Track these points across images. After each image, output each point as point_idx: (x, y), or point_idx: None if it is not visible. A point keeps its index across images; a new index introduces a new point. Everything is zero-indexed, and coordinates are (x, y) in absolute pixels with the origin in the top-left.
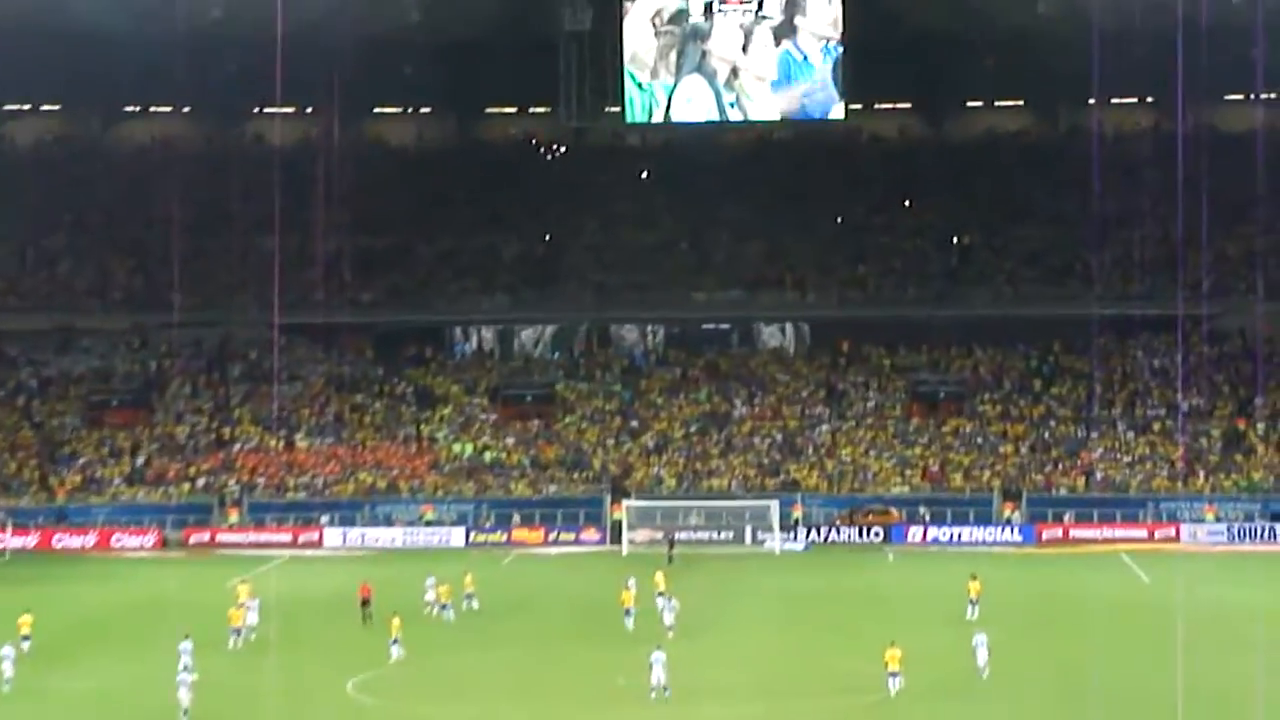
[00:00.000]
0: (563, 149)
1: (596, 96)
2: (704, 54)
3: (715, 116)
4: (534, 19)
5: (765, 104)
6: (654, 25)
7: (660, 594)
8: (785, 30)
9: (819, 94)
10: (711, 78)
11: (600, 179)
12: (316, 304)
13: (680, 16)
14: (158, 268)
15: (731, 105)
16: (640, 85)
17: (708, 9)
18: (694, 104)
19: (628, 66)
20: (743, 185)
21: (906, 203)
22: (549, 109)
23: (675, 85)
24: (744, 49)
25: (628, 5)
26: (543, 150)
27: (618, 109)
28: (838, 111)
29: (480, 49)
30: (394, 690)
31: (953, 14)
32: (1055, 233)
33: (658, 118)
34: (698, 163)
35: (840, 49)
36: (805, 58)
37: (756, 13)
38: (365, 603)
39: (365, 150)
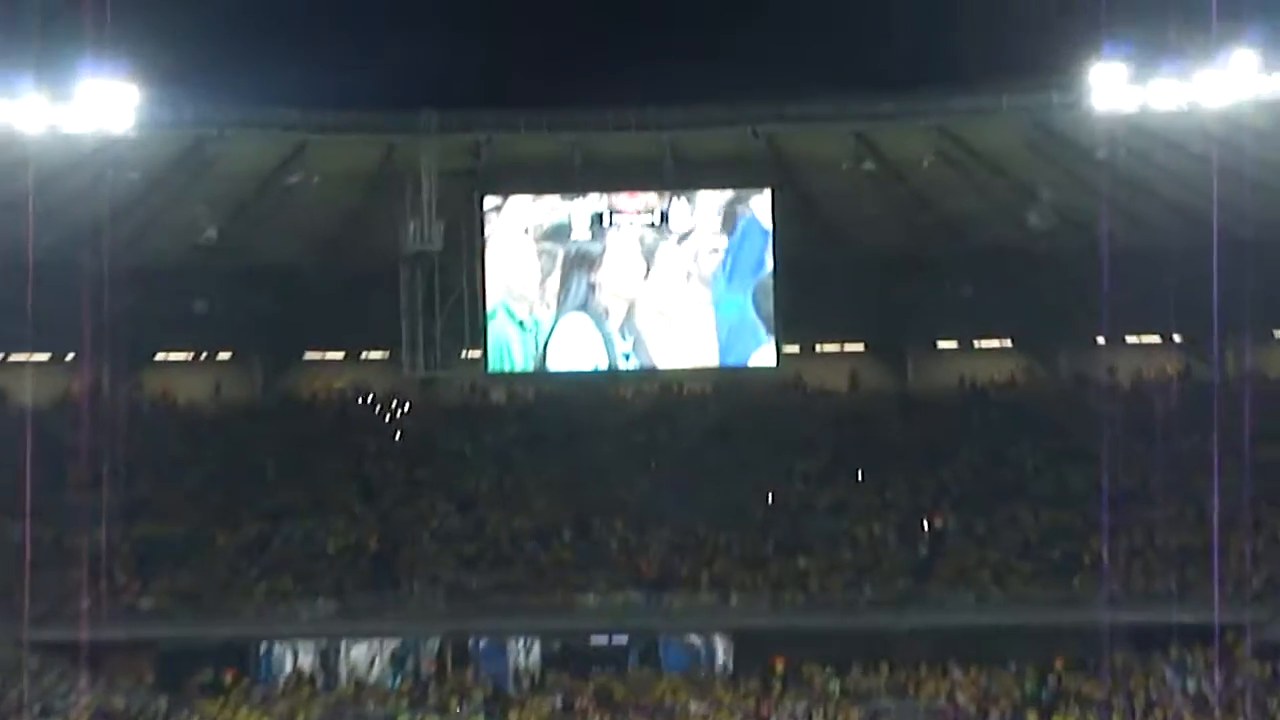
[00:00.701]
0: (405, 406)
1: (450, 339)
2: (591, 286)
3: (605, 365)
4: (367, 238)
5: (671, 348)
6: (525, 245)
7: None
8: (697, 250)
9: (743, 334)
10: (601, 316)
11: (454, 446)
12: (79, 614)
13: (559, 232)
14: None
15: (626, 355)
16: (515, 320)
17: (596, 221)
18: (577, 349)
19: (491, 300)
20: (643, 454)
21: (860, 475)
22: (387, 355)
23: (554, 325)
24: (644, 275)
25: (490, 217)
26: (379, 409)
27: (478, 354)
28: (767, 356)
29: (296, 277)
30: None
31: (917, 228)
32: (1055, 514)
33: (530, 366)
34: (583, 425)
35: (770, 274)
36: (726, 285)
37: (659, 225)
38: None
39: (145, 409)
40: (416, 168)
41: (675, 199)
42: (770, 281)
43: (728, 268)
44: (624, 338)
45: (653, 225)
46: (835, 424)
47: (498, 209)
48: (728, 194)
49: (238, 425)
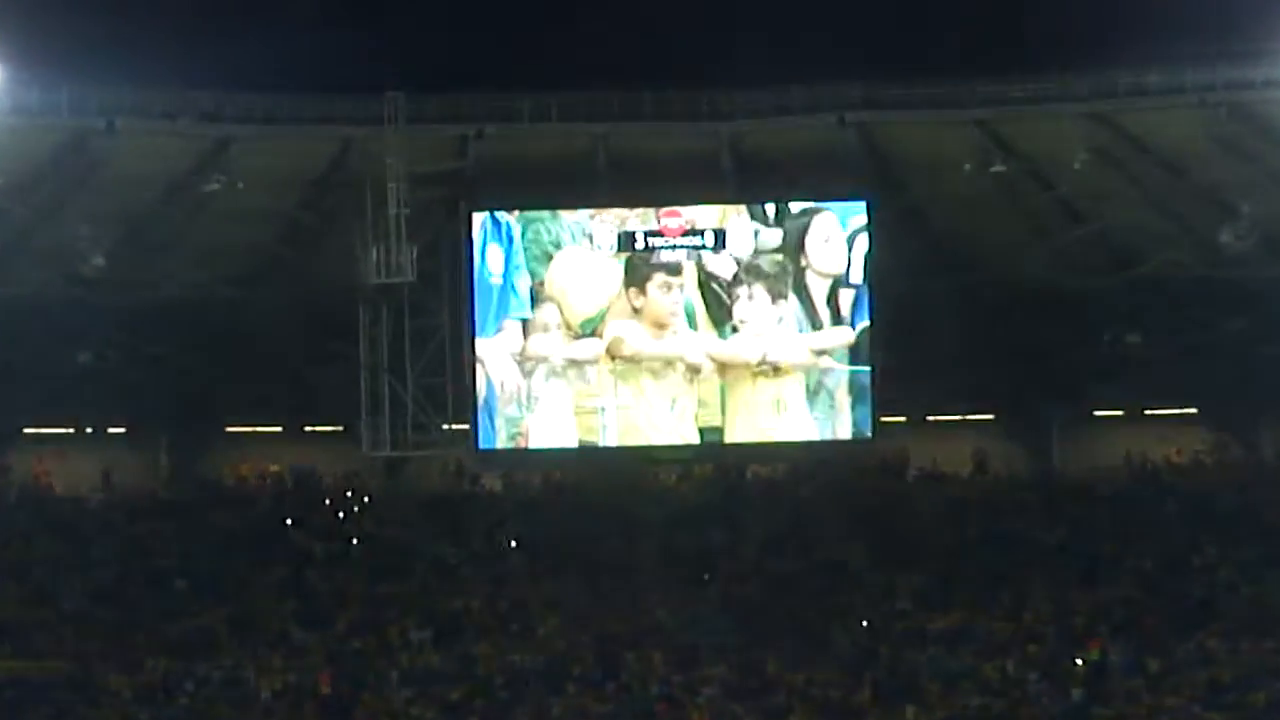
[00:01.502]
0: (365, 498)
1: (426, 405)
2: (620, 331)
3: (638, 439)
4: (313, 267)
5: (731, 416)
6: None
7: None
8: (769, 274)
9: (828, 397)
10: (632, 373)
11: (432, 552)
12: None
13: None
14: None
15: (667, 425)
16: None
17: (626, 244)
18: (601, 419)
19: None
20: (692, 562)
21: (988, 591)
22: (340, 427)
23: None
24: (691, 317)
25: (481, 239)
26: (329, 501)
27: (464, 426)
28: (860, 428)
29: (215, 319)
30: None
31: (1065, 253)
32: (1256, 644)
33: (536, 442)
34: (610, 522)
35: (863, 315)
36: (803, 331)
37: (714, 250)
38: None
39: (9, 501)
40: (380, 172)
41: (735, 215)
42: (864, 326)
43: (806, 307)
44: (666, 402)
45: (704, 250)
46: (954, 521)
47: (492, 228)
48: (806, 207)
49: (136, 523)
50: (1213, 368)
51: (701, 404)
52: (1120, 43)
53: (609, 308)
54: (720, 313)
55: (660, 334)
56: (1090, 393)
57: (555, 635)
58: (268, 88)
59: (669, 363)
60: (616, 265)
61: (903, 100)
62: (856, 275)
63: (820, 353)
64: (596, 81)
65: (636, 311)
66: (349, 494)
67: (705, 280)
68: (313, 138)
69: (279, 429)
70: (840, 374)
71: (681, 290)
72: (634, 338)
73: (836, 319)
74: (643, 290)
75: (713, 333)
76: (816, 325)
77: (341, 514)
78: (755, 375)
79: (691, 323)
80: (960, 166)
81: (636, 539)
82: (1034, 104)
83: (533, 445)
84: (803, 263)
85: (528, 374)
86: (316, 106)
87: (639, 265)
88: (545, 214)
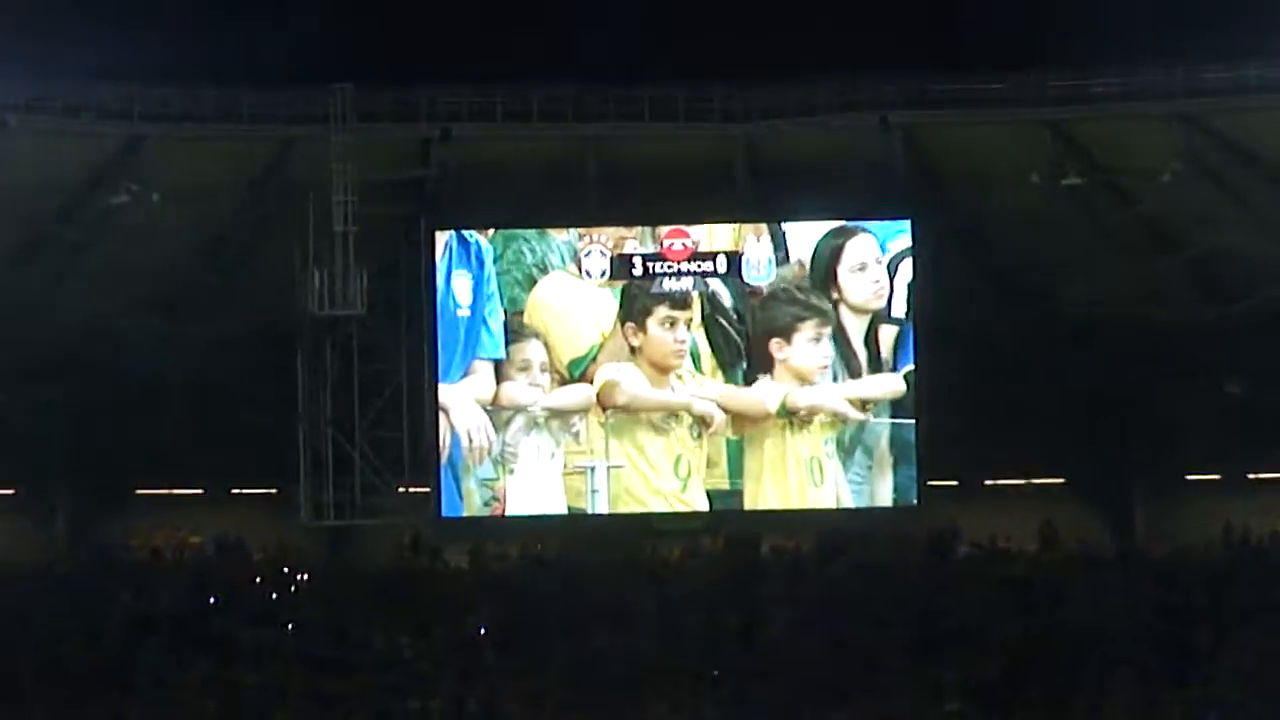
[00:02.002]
0: (303, 576)
1: (379, 464)
2: (614, 377)
3: (637, 505)
4: (242, 294)
5: (750, 481)
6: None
7: None
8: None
9: (863, 457)
10: (634, 427)
11: (384, 641)
12: None
13: None
14: None
15: (673, 491)
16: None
17: (623, 270)
18: (592, 483)
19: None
20: (700, 655)
21: (1057, 689)
22: (273, 491)
23: (559, 442)
24: (700, 360)
25: (440, 238)
26: (260, 579)
27: (425, 489)
28: (903, 494)
29: (121, 358)
30: None
31: (1150, 282)
32: None
33: (512, 507)
34: (601, 607)
35: (907, 358)
36: (835, 377)
37: (727, 278)
38: None
39: None
40: (325, 181)
41: (753, 236)
42: (908, 370)
43: (839, 348)
44: (669, 461)
45: (715, 278)
46: (1016, 607)
47: (460, 249)
48: (839, 227)
49: (25, 602)
50: None
51: (711, 464)
52: (1219, 31)
53: (601, 346)
54: (734, 354)
55: (662, 379)
56: (1182, 452)
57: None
58: (188, 79)
59: (672, 414)
60: (610, 296)
61: (957, 97)
62: (899, 309)
63: (857, 403)
64: (587, 73)
65: (634, 351)
66: (284, 570)
67: (716, 314)
68: (242, 139)
69: (200, 491)
70: (879, 428)
71: (688, 326)
72: (631, 383)
73: (875, 362)
74: (641, 326)
75: (725, 378)
76: (852, 370)
77: (275, 594)
78: (777, 429)
79: (699, 365)
80: (1026, 178)
81: (633, 627)
82: (1117, 102)
83: (507, 512)
84: (834, 295)
85: (502, 426)
86: (247, 101)
87: (637, 296)
88: (525, 233)
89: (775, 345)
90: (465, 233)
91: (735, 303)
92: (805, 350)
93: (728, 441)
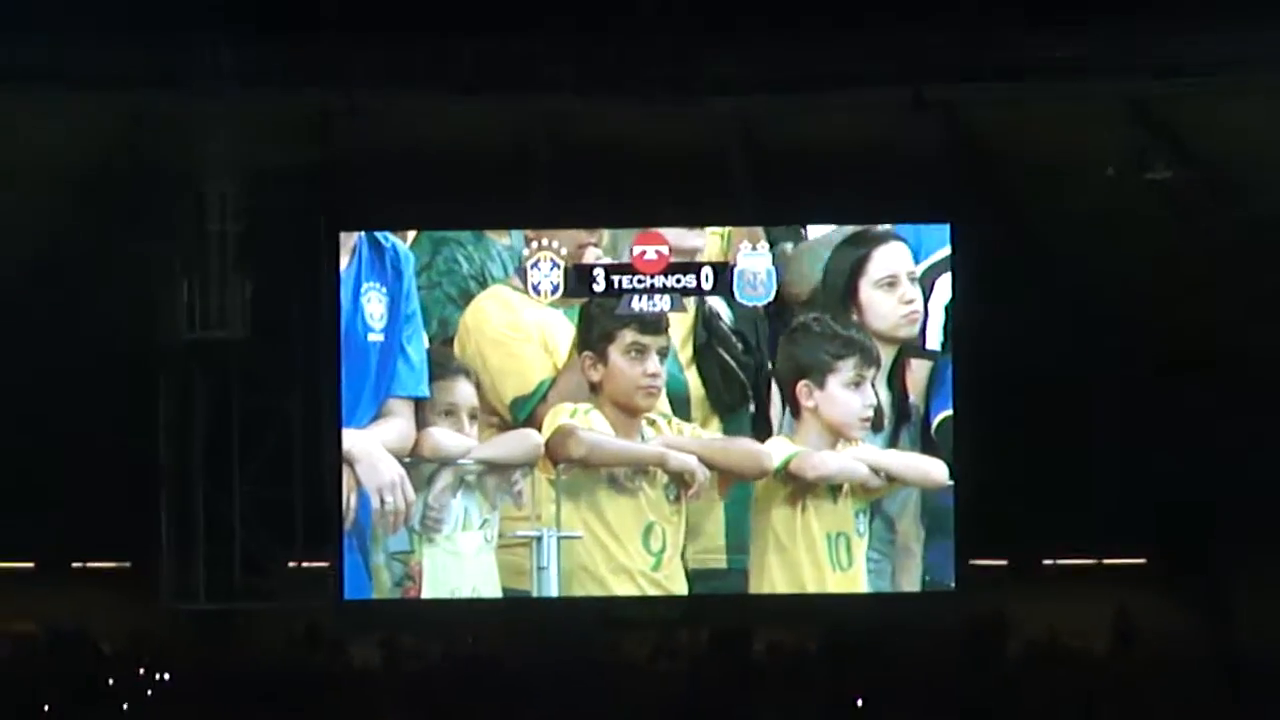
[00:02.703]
0: (163, 675)
1: (264, 532)
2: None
3: (606, 585)
4: (82, 315)
5: (753, 558)
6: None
7: None
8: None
9: (887, 528)
10: (593, 484)
11: None
12: None
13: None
14: None
15: (650, 567)
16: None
17: (583, 286)
18: (542, 554)
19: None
20: None
21: None
22: (126, 564)
23: (494, 506)
24: (678, 405)
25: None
26: (110, 678)
27: (322, 564)
28: (938, 572)
29: None
30: None
31: (1262, 305)
32: None
33: (438, 589)
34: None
35: (942, 403)
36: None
37: (716, 294)
38: None
39: None
40: (196, 166)
41: (748, 243)
42: (945, 418)
43: (861, 389)
44: (637, 531)
45: (699, 295)
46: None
47: (372, 257)
48: (860, 231)
49: None
50: None
51: (692, 534)
52: None
53: (552, 383)
54: (735, 395)
55: (630, 423)
56: None
57: None
58: (9, 27)
59: (642, 470)
60: (563, 318)
61: (1011, 66)
62: (934, 338)
63: (885, 475)
64: (540, 29)
65: (594, 389)
66: (140, 670)
67: (714, 341)
68: (85, 108)
69: (29, 564)
70: (907, 494)
71: (662, 358)
72: (589, 429)
73: (901, 407)
74: (602, 356)
75: (722, 426)
76: (874, 419)
77: (127, 704)
78: (775, 492)
79: (678, 409)
80: (1101, 171)
81: None
82: (1219, 73)
83: (428, 594)
84: (854, 316)
85: (423, 484)
86: (91, 58)
87: (597, 317)
88: (458, 236)
89: (802, 391)
90: (379, 234)
91: (737, 325)
92: (842, 398)
93: (726, 506)
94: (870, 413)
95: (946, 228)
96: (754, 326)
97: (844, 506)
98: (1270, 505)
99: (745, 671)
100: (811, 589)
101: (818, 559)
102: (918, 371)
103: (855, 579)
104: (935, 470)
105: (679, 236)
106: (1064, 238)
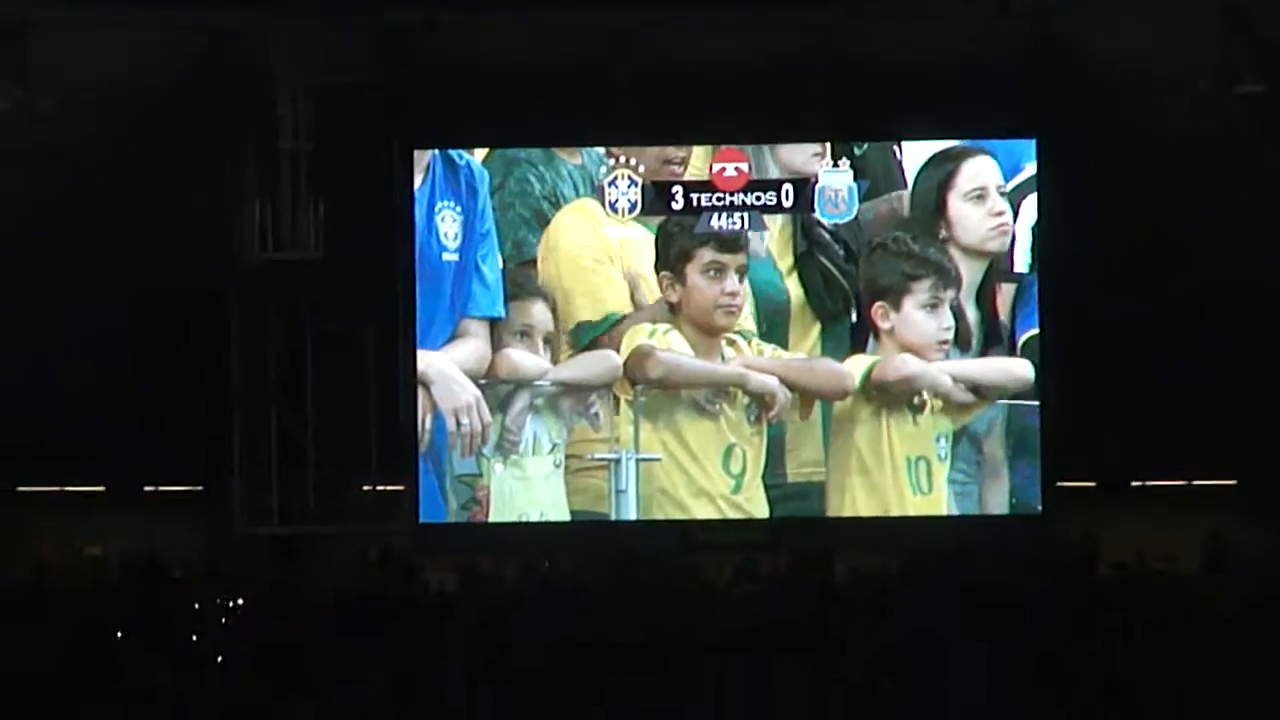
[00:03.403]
0: (236, 600)
1: (338, 456)
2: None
3: (682, 510)
4: (156, 235)
5: (834, 481)
6: None
7: None
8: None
9: (974, 452)
10: (677, 408)
11: (343, 686)
12: None
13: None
14: None
15: (729, 493)
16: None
17: (660, 202)
18: (624, 480)
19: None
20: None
21: None
22: (199, 487)
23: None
24: (767, 325)
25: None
26: (180, 600)
27: (399, 487)
28: (1023, 497)
29: None
30: None
31: None
32: None
33: (512, 510)
34: (628, 645)
35: (1029, 324)
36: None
37: (797, 210)
38: None
39: None
40: (267, 86)
41: (829, 160)
42: (1031, 336)
43: (938, 311)
44: (717, 453)
45: (781, 214)
46: (1172, 645)
47: (446, 175)
48: (949, 147)
49: None
50: None
51: (773, 457)
52: None
53: (621, 318)
54: (826, 300)
55: (709, 343)
56: None
57: None
58: None
59: (722, 391)
60: (644, 236)
61: None
62: (1021, 258)
63: (966, 386)
64: None
65: (673, 309)
66: (210, 594)
67: (801, 250)
68: (157, 30)
69: (100, 489)
70: (993, 414)
71: (742, 277)
72: (667, 350)
73: (989, 326)
74: (681, 275)
75: (811, 333)
76: (959, 336)
77: (198, 628)
78: (870, 414)
79: (778, 320)
80: (1193, 84)
81: (669, 670)
82: None
83: (495, 518)
84: (941, 233)
85: (500, 406)
86: None
87: (676, 236)
88: (531, 154)
89: (878, 312)
90: (454, 153)
91: (838, 232)
92: (918, 320)
93: (807, 426)
94: (948, 335)
95: (1035, 144)
96: (854, 235)
97: (925, 429)
98: None
99: (828, 595)
100: (894, 512)
101: (899, 482)
102: (1004, 293)
103: (936, 503)
104: (1018, 368)
105: (761, 153)
106: (1158, 158)
